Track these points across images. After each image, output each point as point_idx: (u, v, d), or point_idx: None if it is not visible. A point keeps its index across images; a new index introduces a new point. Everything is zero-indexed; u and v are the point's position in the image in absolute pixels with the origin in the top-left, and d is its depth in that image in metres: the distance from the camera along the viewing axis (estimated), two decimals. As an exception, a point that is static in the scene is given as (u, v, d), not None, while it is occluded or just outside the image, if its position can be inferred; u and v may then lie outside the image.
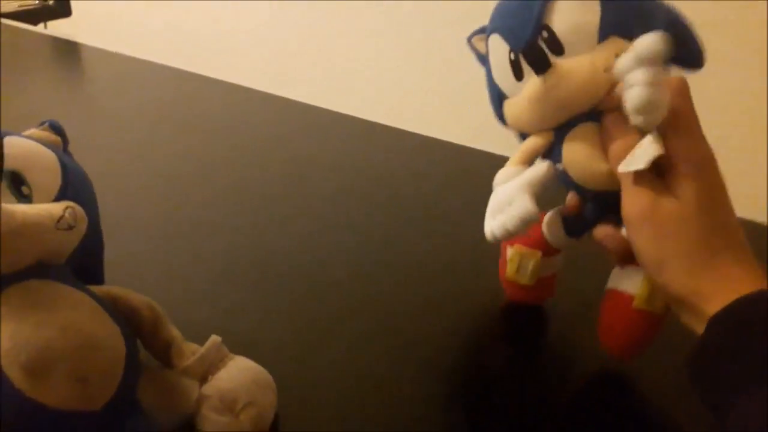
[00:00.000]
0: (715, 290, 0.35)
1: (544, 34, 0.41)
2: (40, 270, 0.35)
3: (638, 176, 0.38)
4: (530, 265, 0.49)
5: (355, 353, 0.49)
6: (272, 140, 0.87)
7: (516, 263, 0.49)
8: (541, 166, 0.43)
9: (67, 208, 0.36)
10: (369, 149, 0.84)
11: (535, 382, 0.47)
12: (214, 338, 0.41)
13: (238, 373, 0.40)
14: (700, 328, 0.36)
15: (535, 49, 0.41)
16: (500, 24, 0.44)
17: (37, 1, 1.63)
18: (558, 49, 0.41)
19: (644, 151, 0.38)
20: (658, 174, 0.38)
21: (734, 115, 1.17)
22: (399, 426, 0.43)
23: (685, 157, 0.38)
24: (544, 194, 0.43)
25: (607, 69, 0.39)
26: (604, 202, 0.43)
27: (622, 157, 0.39)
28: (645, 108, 0.37)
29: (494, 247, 0.49)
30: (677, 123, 0.38)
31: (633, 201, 0.38)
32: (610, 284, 0.45)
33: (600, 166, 0.41)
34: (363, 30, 1.93)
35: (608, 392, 0.47)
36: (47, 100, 1.07)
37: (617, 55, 0.38)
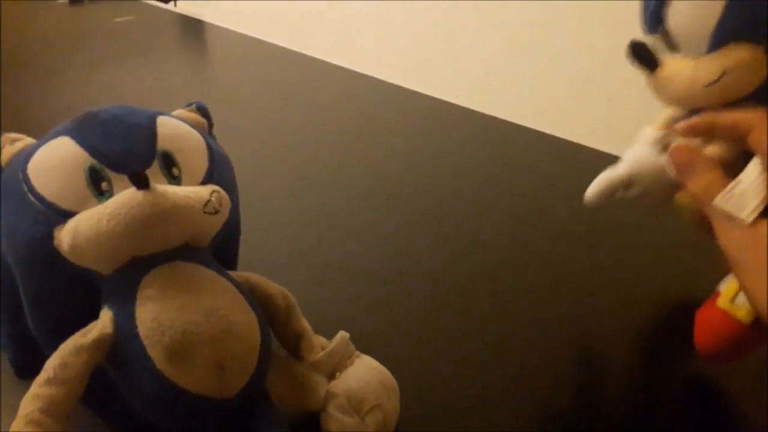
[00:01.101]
0: None
1: (660, 30, 0.39)
2: (186, 252, 0.35)
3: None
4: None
5: (480, 363, 0.47)
6: (412, 134, 0.86)
7: (735, 288, 0.41)
8: (623, 171, 0.42)
9: (213, 192, 0.36)
10: (511, 150, 0.82)
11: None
12: (343, 334, 0.41)
13: (366, 373, 0.39)
14: None
15: (640, 49, 0.39)
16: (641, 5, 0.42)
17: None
18: (672, 46, 0.39)
19: (748, 195, 0.33)
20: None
21: None
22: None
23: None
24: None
25: (709, 84, 0.37)
26: None
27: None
28: None
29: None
30: None
31: (729, 239, 0.33)
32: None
33: None
34: (501, 28, 1.90)
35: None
36: (173, 77, 1.10)
37: (725, 72, 0.36)
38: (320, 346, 0.40)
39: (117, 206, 0.33)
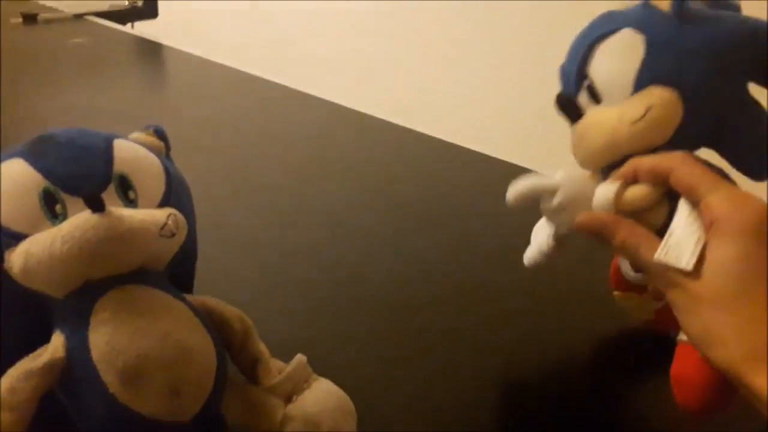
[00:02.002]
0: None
1: (586, 83, 0.41)
2: (142, 276, 0.35)
3: (646, 239, 0.35)
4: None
5: (437, 386, 0.47)
6: (357, 156, 0.87)
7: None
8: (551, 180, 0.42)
9: (170, 215, 0.36)
10: (450, 170, 0.83)
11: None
12: (300, 357, 0.40)
13: (323, 396, 0.39)
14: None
15: (565, 100, 0.41)
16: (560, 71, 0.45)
17: (126, 2, 1.68)
18: (597, 99, 0.41)
19: (683, 243, 0.34)
20: None
21: None
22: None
23: (716, 217, 0.32)
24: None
25: (635, 121, 0.38)
26: None
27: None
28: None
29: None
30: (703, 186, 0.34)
31: (662, 285, 0.34)
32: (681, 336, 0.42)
33: None
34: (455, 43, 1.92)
35: None
36: (129, 100, 1.09)
37: (649, 109, 0.38)
38: (277, 369, 0.40)
39: (71, 229, 0.32)
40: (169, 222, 0.35)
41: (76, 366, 0.33)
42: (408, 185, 0.78)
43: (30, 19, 1.52)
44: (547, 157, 0.47)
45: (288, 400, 0.39)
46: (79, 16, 1.60)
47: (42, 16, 1.55)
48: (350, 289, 0.58)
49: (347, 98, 1.05)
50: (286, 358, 0.41)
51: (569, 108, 0.41)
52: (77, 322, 0.33)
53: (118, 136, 0.40)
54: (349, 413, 0.40)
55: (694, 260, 0.32)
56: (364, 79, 1.93)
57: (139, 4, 1.68)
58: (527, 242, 0.46)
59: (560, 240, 0.43)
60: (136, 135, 0.43)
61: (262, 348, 0.40)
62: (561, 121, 0.42)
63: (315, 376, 0.41)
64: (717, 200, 0.33)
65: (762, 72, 0.39)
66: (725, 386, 0.38)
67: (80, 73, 1.21)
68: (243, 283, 0.58)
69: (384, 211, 0.72)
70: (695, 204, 0.34)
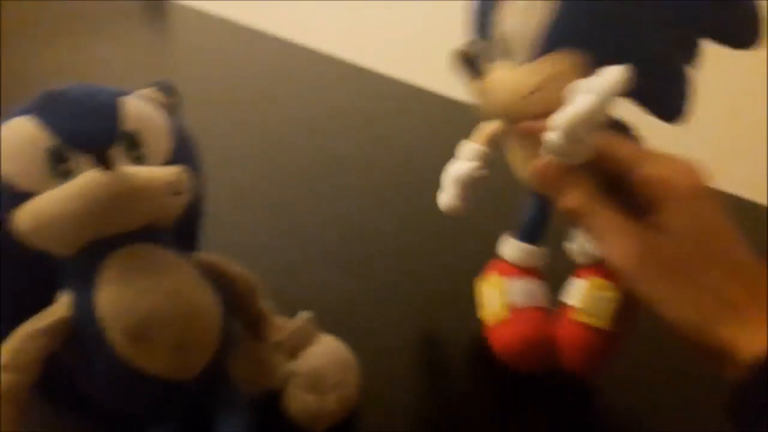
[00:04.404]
0: (739, 334, 0.31)
1: (490, 33, 0.39)
2: (148, 233, 0.36)
3: (615, 221, 0.34)
4: (496, 289, 0.46)
5: (435, 339, 0.48)
6: (361, 111, 0.86)
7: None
8: (467, 167, 0.45)
9: (177, 173, 0.36)
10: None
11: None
12: (305, 314, 0.41)
13: (327, 352, 0.40)
14: (728, 370, 0.32)
15: (463, 56, 0.40)
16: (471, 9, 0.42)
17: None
18: (501, 53, 0.39)
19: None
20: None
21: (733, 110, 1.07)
22: (479, 414, 0.42)
23: (664, 187, 0.33)
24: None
25: (528, 94, 0.37)
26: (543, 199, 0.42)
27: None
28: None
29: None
30: (640, 157, 0.34)
31: (623, 249, 0.33)
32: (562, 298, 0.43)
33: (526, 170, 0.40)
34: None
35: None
36: (134, 56, 1.08)
37: (539, 87, 0.36)
38: (282, 326, 0.41)
39: (79, 186, 0.33)
40: (176, 180, 0.36)
41: (83, 325, 0.33)
42: (412, 140, 0.78)
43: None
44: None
45: (293, 356, 0.40)
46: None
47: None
48: (356, 245, 0.58)
49: (354, 53, 1.04)
50: (292, 313, 0.42)
51: (466, 66, 0.40)
52: (84, 282, 0.34)
53: (126, 93, 0.40)
54: (353, 367, 0.41)
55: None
56: (372, 34, 1.90)
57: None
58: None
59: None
60: (144, 92, 0.42)
61: (267, 306, 0.41)
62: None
63: (319, 333, 0.42)
64: (656, 171, 0.33)
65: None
66: (609, 344, 0.41)
67: (83, 30, 1.20)
68: (248, 240, 0.59)
69: (390, 171, 0.72)
70: (628, 178, 0.34)
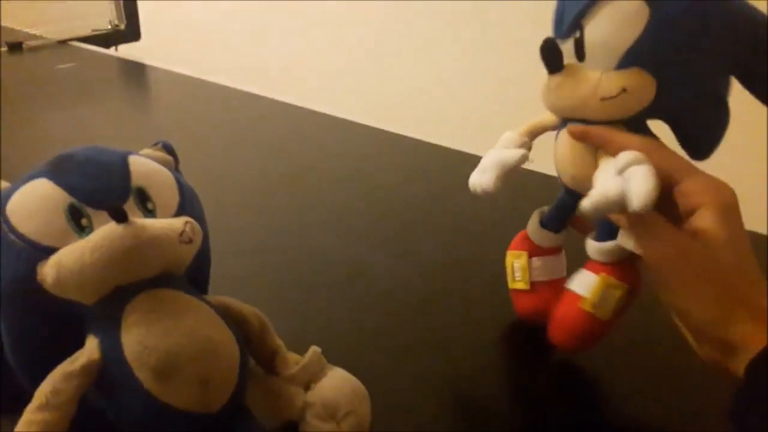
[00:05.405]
0: (752, 331, 0.35)
1: (577, 34, 0.41)
2: (165, 280, 0.38)
3: (656, 224, 0.38)
4: (519, 264, 0.51)
5: (442, 366, 0.50)
6: (346, 162, 0.90)
7: (510, 268, 0.52)
8: (516, 153, 0.46)
9: (186, 223, 0.39)
10: (440, 171, 0.86)
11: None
12: (315, 349, 0.43)
13: (339, 383, 0.42)
14: (733, 366, 0.36)
15: (551, 47, 0.41)
16: (556, 7, 0.43)
17: (109, 26, 1.71)
18: (581, 55, 0.41)
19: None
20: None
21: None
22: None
23: (704, 199, 0.37)
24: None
25: (608, 98, 0.40)
26: (577, 196, 0.44)
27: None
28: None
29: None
30: (680, 168, 0.38)
31: (661, 251, 0.38)
32: (567, 285, 0.47)
33: (567, 170, 0.44)
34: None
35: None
36: (119, 121, 1.12)
37: (625, 90, 0.39)
38: (295, 361, 0.43)
39: (99, 239, 0.35)
40: (187, 229, 0.38)
41: (112, 366, 0.35)
42: (400, 188, 0.81)
43: (15, 47, 1.54)
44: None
45: (306, 388, 0.42)
46: (63, 42, 1.62)
47: (27, 43, 1.57)
48: (353, 286, 0.61)
49: (332, 107, 1.08)
50: (300, 352, 0.44)
51: (552, 58, 0.41)
52: (109, 326, 0.36)
53: (131, 152, 0.43)
54: (364, 396, 0.43)
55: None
56: (347, 87, 1.96)
57: (122, 27, 1.71)
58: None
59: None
60: (146, 151, 0.45)
61: (279, 341, 0.43)
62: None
63: (330, 365, 0.44)
64: (697, 185, 0.38)
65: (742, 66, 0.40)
66: (602, 332, 0.45)
67: (69, 98, 1.23)
68: (252, 284, 0.61)
69: (379, 213, 0.75)
70: (670, 188, 0.38)
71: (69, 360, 0.35)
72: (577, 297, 0.45)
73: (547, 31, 0.43)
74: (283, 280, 0.62)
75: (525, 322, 0.53)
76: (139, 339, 0.35)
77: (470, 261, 0.65)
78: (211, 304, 0.39)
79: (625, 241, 0.42)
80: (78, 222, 0.37)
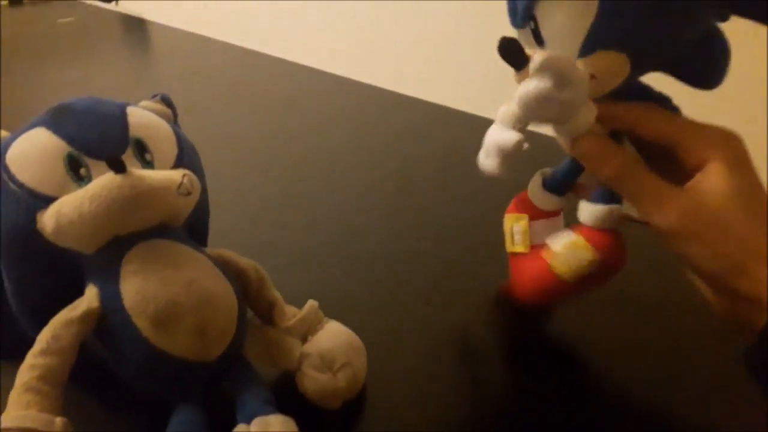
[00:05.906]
0: (765, 281, 0.34)
1: (532, 25, 0.39)
2: (163, 231, 0.38)
3: (656, 186, 0.37)
4: (520, 227, 0.48)
5: (435, 321, 0.51)
6: (348, 119, 0.90)
7: (508, 231, 0.49)
8: (512, 138, 0.42)
9: (184, 175, 0.39)
10: (434, 129, 0.86)
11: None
12: (312, 302, 0.44)
13: (335, 335, 0.43)
14: (749, 317, 0.35)
15: (509, 46, 0.38)
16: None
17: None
18: (540, 42, 0.39)
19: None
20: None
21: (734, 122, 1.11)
22: (484, 395, 0.45)
23: (709, 152, 0.36)
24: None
25: None
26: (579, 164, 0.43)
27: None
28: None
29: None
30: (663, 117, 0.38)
31: (663, 212, 0.37)
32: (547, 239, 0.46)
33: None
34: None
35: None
36: (118, 76, 1.11)
37: (593, 76, 0.37)
38: (292, 314, 0.43)
39: (98, 189, 0.35)
40: (185, 181, 0.38)
41: (111, 314, 0.36)
42: (399, 146, 0.81)
43: (16, 1, 1.53)
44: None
45: (303, 339, 0.42)
46: (63, -4, 1.60)
47: (27, -3, 1.56)
48: (350, 242, 0.61)
49: (337, 66, 1.07)
50: (297, 305, 0.44)
51: (513, 58, 0.38)
52: (109, 275, 0.36)
53: (129, 104, 0.43)
54: (360, 348, 0.43)
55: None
56: (353, 47, 1.93)
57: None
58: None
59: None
60: (145, 103, 0.45)
61: (277, 294, 0.43)
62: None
63: (327, 319, 0.44)
64: (701, 141, 0.37)
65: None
66: (564, 292, 0.44)
67: (69, 52, 1.22)
68: (250, 239, 0.61)
69: (377, 171, 0.75)
70: (672, 148, 0.37)
71: (69, 307, 0.36)
72: (546, 250, 0.45)
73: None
74: (280, 234, 0.62)
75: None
76: (137, 288, 0.36)
77: (466, 219, 0.65)
78: (209, 256, 0.40)
79: (629, 207, 0.41)
80: (77, 172, 0.37)
